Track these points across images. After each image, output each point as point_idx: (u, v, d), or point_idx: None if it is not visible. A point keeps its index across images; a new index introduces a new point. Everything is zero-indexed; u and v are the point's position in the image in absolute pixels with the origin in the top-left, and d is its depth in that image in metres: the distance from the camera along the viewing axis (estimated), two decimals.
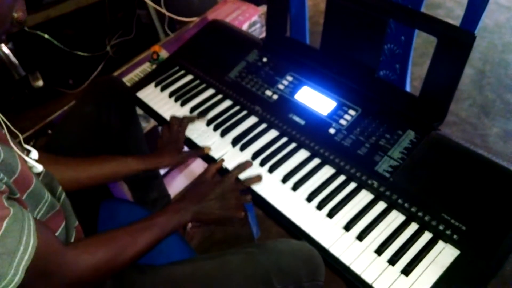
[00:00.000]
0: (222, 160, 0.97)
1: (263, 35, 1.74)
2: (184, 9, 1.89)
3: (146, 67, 1.57)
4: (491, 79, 1.99)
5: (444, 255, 0.76)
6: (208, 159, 1.01)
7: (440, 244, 0.77)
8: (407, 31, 1.12)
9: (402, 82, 1.19)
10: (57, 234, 0.68)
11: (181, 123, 1.04)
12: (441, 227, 0.78)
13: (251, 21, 1.76)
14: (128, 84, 1.35)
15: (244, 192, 0.90)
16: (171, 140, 1.01)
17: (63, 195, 0.74)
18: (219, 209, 0.86)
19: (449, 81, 0.87)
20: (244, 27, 1.74)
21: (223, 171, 0.97)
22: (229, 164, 0.97)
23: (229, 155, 0.99)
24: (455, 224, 0.78)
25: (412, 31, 1.12)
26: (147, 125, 1.46)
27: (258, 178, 0.91)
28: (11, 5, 0.59)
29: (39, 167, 0.69)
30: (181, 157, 1.00)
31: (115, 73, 1.58)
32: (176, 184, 1.55)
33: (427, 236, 0.79)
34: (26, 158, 0.67)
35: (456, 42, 0.84)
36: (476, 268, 0.73)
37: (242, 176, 0.93)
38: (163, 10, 1.84)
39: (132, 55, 1.66)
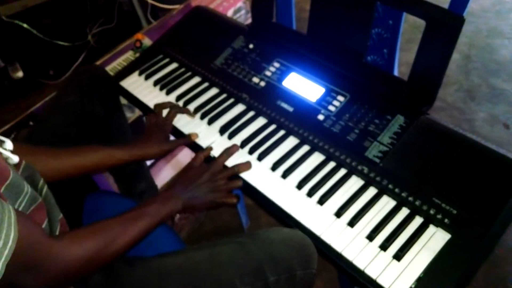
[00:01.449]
0: (210, 148, 0.96)
1: (249, 21, 1.72)
2: None
3: (129, 55, 1.53)
4: (477, 63, 2.00)
5: (435, 239, 0.75)
6: (196, 148, 0.99)
7: (431, 228, 0.77)
8: (395, 15, 1.11)
9: (390, 67, 1.18)
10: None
11: (168, 113, 1.01)
12: (432, 212, 0.78)
13: (236, 7, 1.73)
14: (111, 73, 1.31)
15: (234, 178, 0.89)
16: (157, 129, 0.98)
17: (45, 188, 0.72)
18: (210, 192, 0.85)
19: (438, 64, 0.86)
20: (229, 13, 1.71)
21: (210, 160, 0.95)
22: (218, 153, 0.95)
23: (217, 144, 0.97)
24: (445, 208, 0.77)
25: (400, 14, 1.11)
26: (132, 115, 1.44)
27: (247, 165, 0.89)
28: None
29: (14, 158, 0.66)
30: (167, 146, 0.98)
31: (97, 63, 1.54)
32: (163, 175, 1.53)
33: (418, 220, 0.78)
34: (0, 149, 0.64)
35: (445, 25, 0.83)
36: (468, 252, 0.73)
37: (231, 163, 0.92)
38: None
39: (114, 44, 1.62)
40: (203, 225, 1.49)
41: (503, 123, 1.74)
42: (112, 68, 1.49)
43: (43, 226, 0.66)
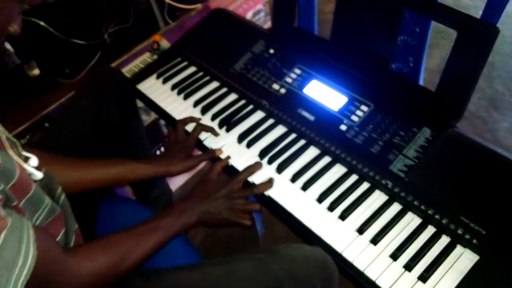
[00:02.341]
0: (228, 158, 0.93)
1: (268, 24, 1.69)
2: None
3: (146, 57, 1.51)
4: (501, 71, 1.94)
5: (463, 260, 0.72)
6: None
7: (459, 248, 0.74)
8: (423, 22, 1.07)
9: (416, 76, 1.14)
10: (57, 239, 0.65)
11: (194, 130, 0.98)
12: (459, 231, 0.74)
13: (256, 10, 1.70)
14: (128, 75, 1.30)
15: (252, 200, 0.86)
16: (180, 146, 0.95)
17: (63, 196, 0.70)
18: (226, 209, 0.82)
19: (469, 76, 0.83)
20: (248, 15, 1.68)
21: (228, 169, 0.93)
22: (236, 162, 0.92)
23: (236, 152, 0.95)
24: (474, 227, 0.74)
25: (428, 22, 1.07)
26: (148, 118, 1.42)
27: (269, 185, 0.86)
28: (9, 22, 0.59)
29: (38, 175, 0.65)
30: (191, 163, 0.94)
31: (114, 64, 1.52)
32: (177, 178, 1.51)
33: (444, 240, 0.75)
34: (25, 165, 0.63)
35: (478, 36, 0.79)
36: (496, 274, 0.70)
37: (252, 178, 0.88)
38: None
39: (130, 44, 1.61)
40: (217, 232, 1.46)
41: None
42: (128, 70, 1.47)
43: (59, 237, 0.65)
